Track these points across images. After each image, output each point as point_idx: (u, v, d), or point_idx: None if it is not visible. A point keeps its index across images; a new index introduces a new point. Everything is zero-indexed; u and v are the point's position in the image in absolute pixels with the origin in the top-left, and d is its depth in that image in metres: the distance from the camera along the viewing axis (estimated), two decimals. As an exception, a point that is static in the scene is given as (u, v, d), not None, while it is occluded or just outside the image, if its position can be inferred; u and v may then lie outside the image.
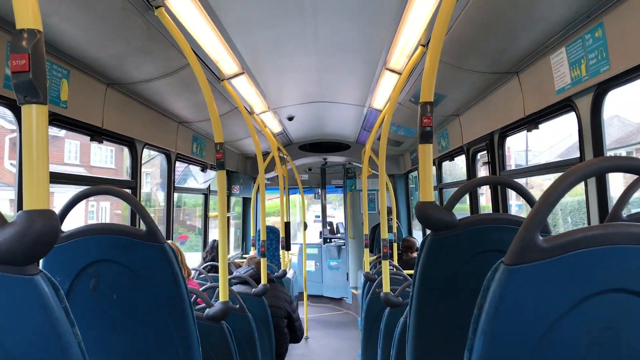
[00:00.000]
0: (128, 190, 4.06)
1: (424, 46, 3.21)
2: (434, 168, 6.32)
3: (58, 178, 3.23)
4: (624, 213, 1.75)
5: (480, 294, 1.04)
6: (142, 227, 1.90)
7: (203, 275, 4.83)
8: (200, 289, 3.27)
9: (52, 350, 1.08)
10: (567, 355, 0.97)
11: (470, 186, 1.92)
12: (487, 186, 4.64)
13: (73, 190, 2.26)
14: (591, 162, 0.97)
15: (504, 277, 0.97)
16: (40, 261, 1.92)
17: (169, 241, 4.23)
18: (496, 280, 0.98)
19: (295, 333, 4.67)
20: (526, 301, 0.96)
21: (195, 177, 7.22)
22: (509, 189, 4.07)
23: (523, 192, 1.84)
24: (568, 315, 0.96)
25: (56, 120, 2.98)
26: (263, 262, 4.37)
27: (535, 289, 0.96)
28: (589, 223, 2.70)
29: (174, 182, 5.16)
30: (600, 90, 2.55)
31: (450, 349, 1.74)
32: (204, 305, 2.98)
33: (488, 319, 0.98)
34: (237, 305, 3.51)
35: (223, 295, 2.89)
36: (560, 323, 0.96)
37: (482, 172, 4.94)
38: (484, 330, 0.99)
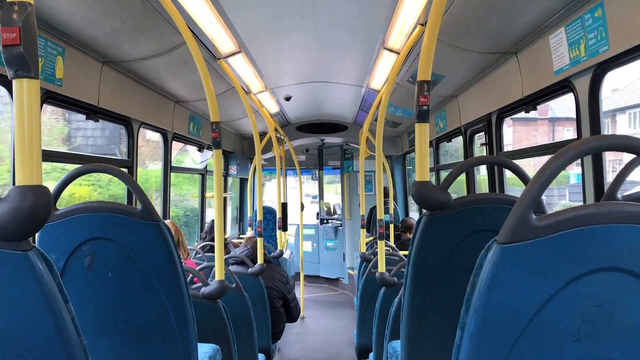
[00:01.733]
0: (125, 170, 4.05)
1: (422, 25, 3.18)
2: (431, 149, 6.31)
3: (52, 156, 3.21)
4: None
5: (473, 272, 1.05)
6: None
7: (200, 255, 4.85)
8: (197, 268, 3.28)
9: (45, 325, 1.09)
10: (559, 332, 0.97)
11: (466, 166, 1.92)
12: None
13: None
14: (586, 140, 0.96)
15: (496, 255, 0.97)
16: (36, 239, 1.92)
17: (168, 220, 4.26)
18: (489, 259, 0.99)
19: (291, 313, 4.71)
20: (519, 279, 0.97)
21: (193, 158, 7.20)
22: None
23: (518, 172, 1.84)
24: (560, 294, 0.96)
25: (51, 98, 2.95)
26: (259, 242, 4.39)
27: (528, 267, 0.96)
28: (584, 203, 2.70)
29: (170, 162, 5.15)
30: (599, 71, 2.53)
31: (444, 327, 1.75)
32: (200, 284, 2.99)
33: (480, 296, 0.98)
34: (234, 285, 3.52)
35: (219, 274, 2.90)
36: (552, 301, 0.96)
37: (481, 153, 4.93)
38: (477, 308, 0.99)
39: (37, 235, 1.88)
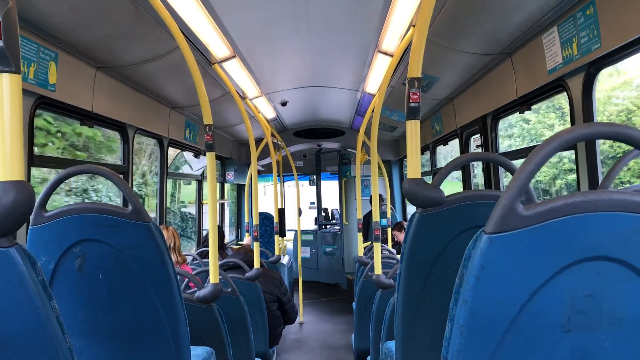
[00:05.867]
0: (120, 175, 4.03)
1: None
2: (427, 152, 6.32)
3: (42, 161, 3.19)
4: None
5: (462, 264, 1.04)
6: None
7: (197, 261, 4.83)
8: (193, 273, 3.27)
9: (28, 323, 1.07)
10: (548, 323, 0.96)
11: (457, 162, 1.90)
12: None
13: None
14: (573, 129, 0.95)
15: (484, 245, 0.96)
16: (26, 242, 1.91)
17: (171, 227, 4.24)
18: (477, 249, 0.97)
19: (288, 315, 4.67)
20: (507, 270, 0.95)
21: (190, 164, 7.21)
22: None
23: (510, 168, 1.83)
24: (550, 284, 0.95)
25: (44, 103, 2.94)
26: (256, 246, 4.36)
27: (517, 257, 0.95)
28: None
29: (167, 168, 5.13)
30: (592, 69, 2.53)
31: (438, 325, 1.73)
32: (196, 289, 2.97)
33: (469, 288, 0.97)
34: (230, 289, 3.51)
35: (214, 277, 2.89)
36: (541, 291, 0.95)
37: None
38: (465, 299, 0.98)
39: (27, 237, 1.86)
